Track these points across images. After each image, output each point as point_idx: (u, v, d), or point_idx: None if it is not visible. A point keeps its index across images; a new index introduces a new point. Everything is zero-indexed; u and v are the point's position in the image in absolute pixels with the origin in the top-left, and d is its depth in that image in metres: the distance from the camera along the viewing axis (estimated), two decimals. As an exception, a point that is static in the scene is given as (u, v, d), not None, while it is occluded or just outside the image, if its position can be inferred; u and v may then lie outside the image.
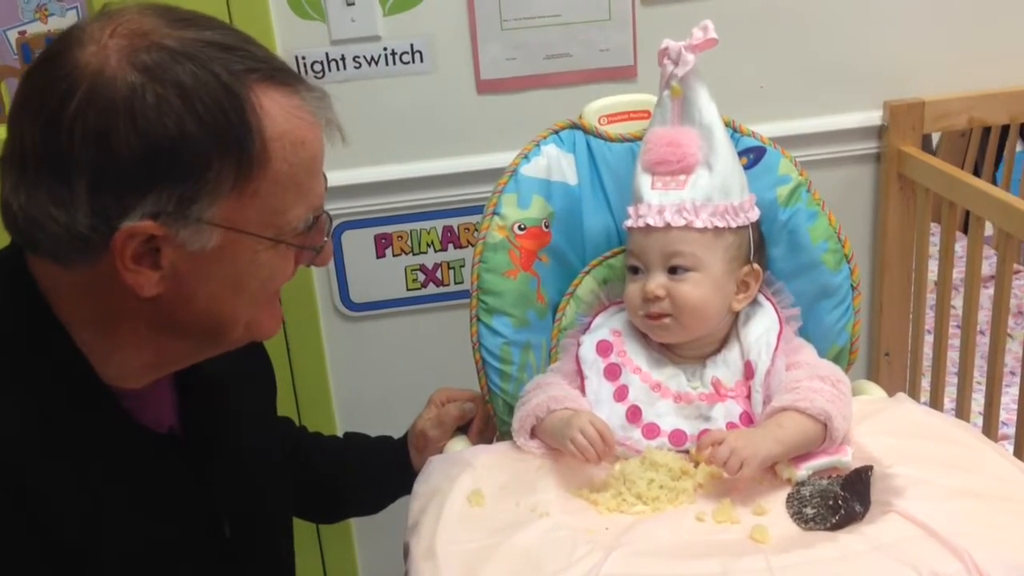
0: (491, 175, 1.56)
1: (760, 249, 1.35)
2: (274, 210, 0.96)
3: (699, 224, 1.27)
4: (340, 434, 1.57)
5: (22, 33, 1.81)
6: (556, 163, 1.43)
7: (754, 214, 1.32)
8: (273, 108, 0.93)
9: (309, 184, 0.99)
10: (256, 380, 1.28)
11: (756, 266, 1.33)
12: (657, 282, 1.28)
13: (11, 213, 0.94)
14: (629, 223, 1.31)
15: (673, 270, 1.28)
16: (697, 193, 1.28)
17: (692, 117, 1.30)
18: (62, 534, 0.94)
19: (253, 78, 0.93)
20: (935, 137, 2.78)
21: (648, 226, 1.28)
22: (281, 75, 0.96)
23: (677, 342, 1.32)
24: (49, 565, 0.93)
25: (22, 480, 0.91)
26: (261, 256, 0.97)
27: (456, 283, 1.99)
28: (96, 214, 0.90)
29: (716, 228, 1.27)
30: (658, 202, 1.28)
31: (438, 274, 1.99)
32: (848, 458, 1.20)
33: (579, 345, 1.34)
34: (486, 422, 1.44)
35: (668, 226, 1.27)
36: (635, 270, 1.32)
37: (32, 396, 0.95)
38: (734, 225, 1.29)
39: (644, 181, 1.31)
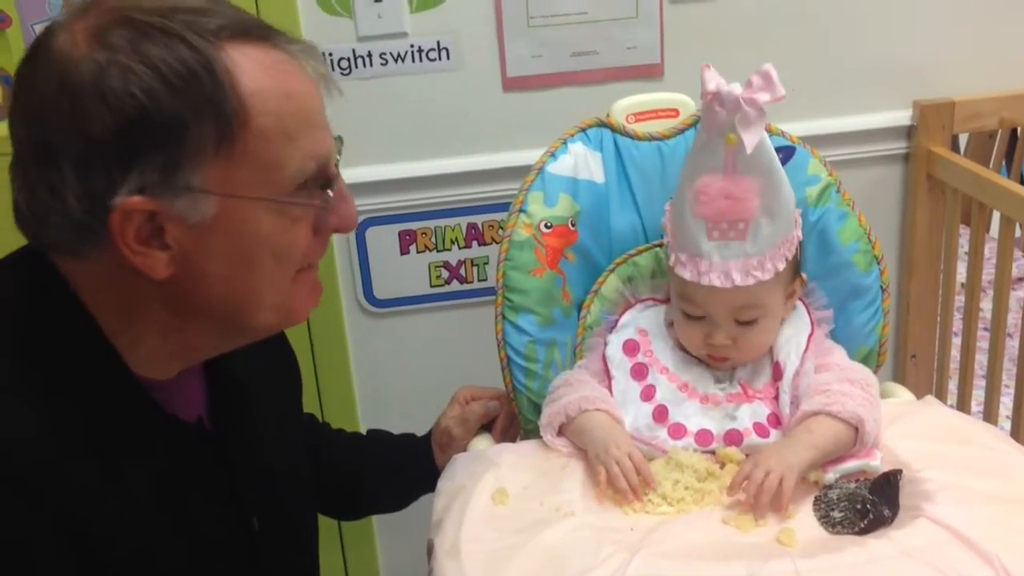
0: (516, 172, 1.56)
1: (801, 251, 1.32)
2: (268, 166, 0.93)
3: (767, 277, 1.23)
4: (363, 431, 1.57)
5: (50, 28, 1.82)
6: (583, 161, 1.42)
7: (799, 228, 1.29)
8: (249, 64, 0.91)
9: (303, 135, 0.95)
10: (282, 377, 1.28)
11: (803, 275, 1.32)
12: (725, 333, 1.26)
13: (21, 214, 0.95)
14: (687, 276, 1.24)
15: (742, 320, 1.25)
16: (761, 244, 1.22)
17: (749, 164, 1.20)
18: (90, 528, 0.94)
19: (224, 37, 0.91)
20: (962, 138, 2.75)
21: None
22: (257, 31, 0.94)
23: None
24: (79, 560, 0.93)
25: (49, 478, 0.91)
26: (264, 222, 0.94)
27: (480, 280, 1.99)
28: (86, 197, 0.90)
29: (779, 270, 1.24)
30: (720, 257, 1.22)
31: (462, 271, 1.99)
32: (877, 462, 1.19)
33: (606, 344, 1.34)
34: (510, 421, 1.44)
35: (736, 285, 1.22)
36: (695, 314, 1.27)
37: (63, 390, 0.95)
38: (790, 256, 1.26)
39: (698, 228, 1.23)
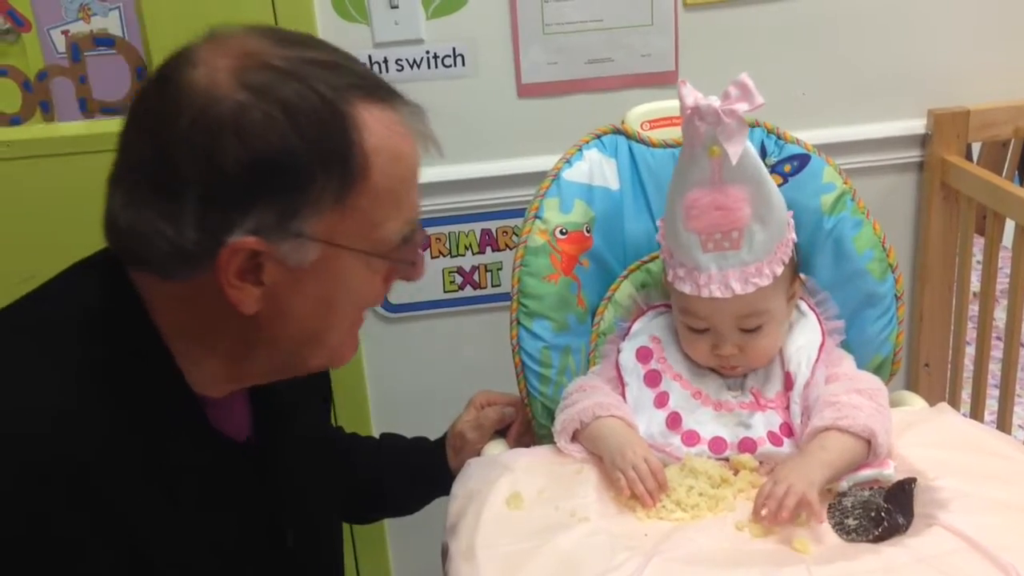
0: (530, 179, 1.56)
1: (797, 252, 1.32)
2: (372, 223, 0.97)
3: (766, 283, 1.23)
4: (376, 435, 1.57)
5: (65, 32, 1.83)
6: (598, 168, 1.43)
7: (792, 229, 1.29)
8: (373, 123, 0.95)
9: (406, 198, 1.00)
10: (317, 392, 1.30)
11: (802, 276, 1.32)
12: (732, 343, 1.26)
13: (117, 228, 0.96)
14: (687, 290, 1.24)
15: (746, 328, 1.25)
16: (757, 251, 1.22)
17: (735, 174, 1.20)
18: (141, 536, 0.96)
19: (354, 94, 0.94)
20: (975, 146, 2.75)
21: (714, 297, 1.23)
22: (380, 91, 0.98)
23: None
24: (125, 565, 0.95)
25: (109, 487, 0.93)
26: (354, 272, 0.99)
27: (493, 286, 1.99)
28: (203, 230, 0.92)
29: (777, 274, 1.24)
30: (717, 268, 1.22)
31: (475, 277, 1.99)
32: (890, 471, 1.18)
33: (619, 352, 1.34)
34: (525, 428, 1.44)
35: (736, 295, 1.22)
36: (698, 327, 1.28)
37: (127, 403, 0.96)
38: (787, 259, 1.26)
39: (692, 242, 1.23)
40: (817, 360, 1.28)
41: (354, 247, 0.97)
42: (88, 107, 1.88)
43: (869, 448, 1.19)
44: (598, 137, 1.45)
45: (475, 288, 2.00)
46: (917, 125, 1.98)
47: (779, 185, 1.36)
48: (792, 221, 1.29)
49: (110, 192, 0.96)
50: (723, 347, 1.26)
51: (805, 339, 1.31)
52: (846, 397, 1.23)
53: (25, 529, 0.89)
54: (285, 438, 1.15)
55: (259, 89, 0.91)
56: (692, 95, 1.18)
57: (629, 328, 1.37)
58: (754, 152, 1.22)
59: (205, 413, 1.04)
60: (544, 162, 1.49)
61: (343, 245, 0.96)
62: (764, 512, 1.12)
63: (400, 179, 0.98)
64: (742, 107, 1.16)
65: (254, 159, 0.90)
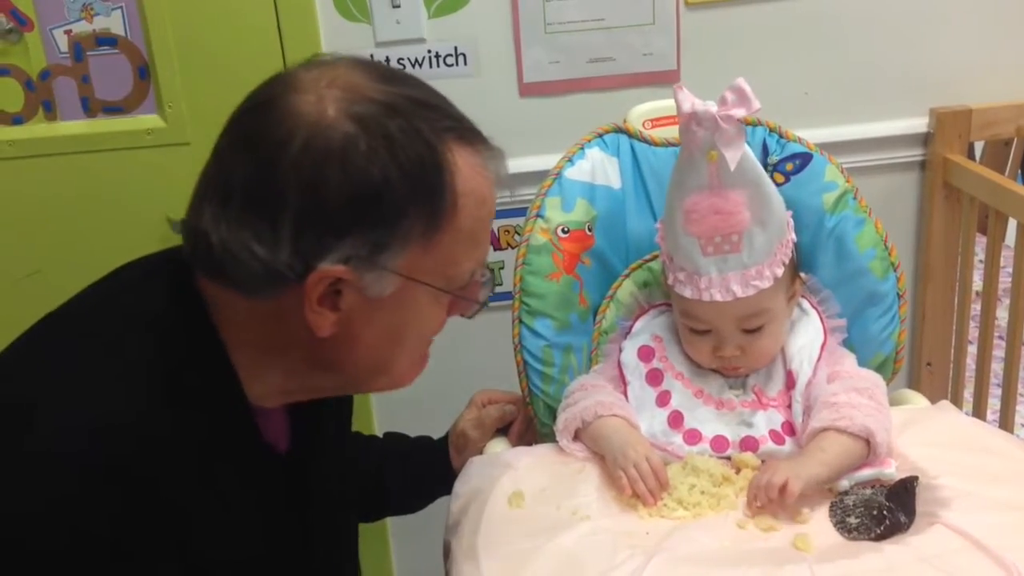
0: (532, 178, 1.55)
1: (798, 252, 1.32)
2: (448, 262, 1.00)
3: (766, 285, 1.23)
4: (379, 433, 1.57)
5: (68, 32, 1.84)
6: (600, 166, 1.43)
7: (792, 229, 1.28)
8: (464, 165, 0.97)
9: (483, 239, 1.04)
10: (346, 402, 1.31)
11: (802, 275, 1.32)
12: (733, 344, 1.26)
13: (206, 243, 0.95)
14: (688, 294, 1.24)
15: (748, 328, 1.25)
16: (757, 253, 1.22)
17: (734, 178, 1.19)
18: (194, 537, 0.97)
19: (449, 136, 0.96)
20: (978, 145, 2.76)
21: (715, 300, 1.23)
22: (471, 135, 1.00)
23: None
24: (180, 568, 0.97)
25: (163, 490, 0.94)
26: (424, 305, 1.01)
27: (495, 285, 1.99)
28: (297, 253, 0.93)
29: (778, 276, 1.24)
30: (718, 272, 1.22)
31: (477, 276, 1.99)
32: (891, 470, 1.18)
33: (620, 351, 1.34)
34: (527, 425, 1.44)
35: (737, 298, 1.22)
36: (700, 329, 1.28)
37: (186, 408, 0.97)
38: (787, 260, 1.26)
39: (692, 246, 1.23)
40: (819, 359, 1.29)
41: (430, 283, 0.99)
42: (90, 107, 1.88)
43: (868, 447, 1.19)
44: (600, 136, 1.45)
45: (477, 287, 2.00)
46: (919, 124, 1.98)
47: (781, 184, 1.37)
48: (791, 221, 1.29)
49: (196, 206, 0.97)
50: (725, 348, 1.26)
51: (807, 338, 1.31)
52: (844, 396, 1.23)
53: (85, 532, 0.90)
54: (319, 450, 1.17)
55: (365, 122, 0.92)
56: (689, 100, 1.18)
57: (631, 327, 1.37)
58: (752, 155, 1.22)
59: (256, 424, 1.05)
60: (546, 161, 1.49)
61: (421, 280, 0.98)
62: (757, 504, 1.13)
63: (481, 221, 1.01)
64: (739, 112, 1.16)
65: (354, 191, 0.91)
